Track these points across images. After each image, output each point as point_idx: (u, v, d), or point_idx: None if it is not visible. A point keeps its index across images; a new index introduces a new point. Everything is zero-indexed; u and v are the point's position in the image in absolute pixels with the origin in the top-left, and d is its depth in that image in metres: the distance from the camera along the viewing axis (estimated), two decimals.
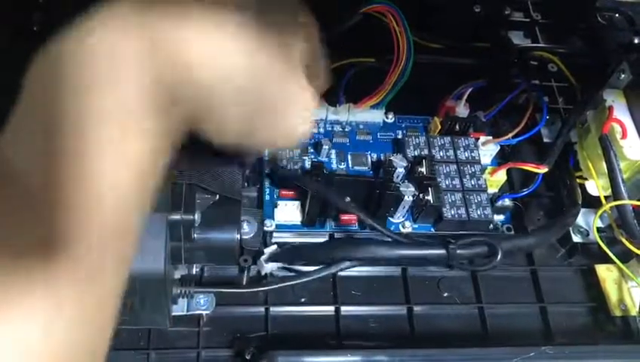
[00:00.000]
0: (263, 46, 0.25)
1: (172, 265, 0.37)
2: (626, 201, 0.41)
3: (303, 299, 0.42)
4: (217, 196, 0.36)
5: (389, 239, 0.39)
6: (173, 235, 0.34)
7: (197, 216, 0.34)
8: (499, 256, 0.37)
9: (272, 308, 0.41)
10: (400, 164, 0.42)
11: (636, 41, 0.58)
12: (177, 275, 0.39)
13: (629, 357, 0.40)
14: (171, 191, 0.34)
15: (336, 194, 0.39)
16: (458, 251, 0.37)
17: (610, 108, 0.43)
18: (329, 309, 0.42)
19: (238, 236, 0.37)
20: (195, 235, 0.35)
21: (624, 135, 0.42)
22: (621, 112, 0.43)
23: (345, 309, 0.42)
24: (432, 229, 0.44)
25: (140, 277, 0.31)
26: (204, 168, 0.35)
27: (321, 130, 0.47)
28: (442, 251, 0.37)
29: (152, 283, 0.32)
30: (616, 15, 0.61)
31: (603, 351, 0.40)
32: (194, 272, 0.40)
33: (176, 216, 0.34)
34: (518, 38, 0.57)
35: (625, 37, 0.59)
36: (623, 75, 0.45)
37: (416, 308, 0.42)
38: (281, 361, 0.35)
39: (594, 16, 0.60)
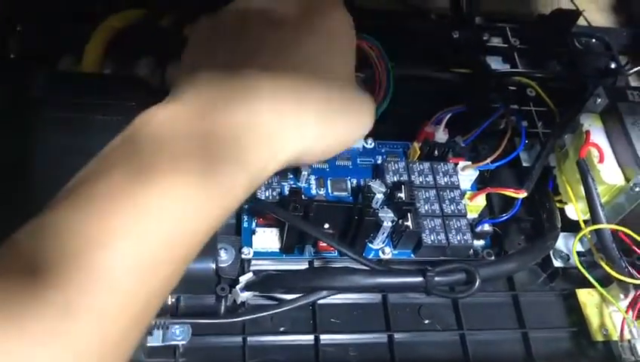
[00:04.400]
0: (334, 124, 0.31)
1: None
2: (605, 226, 0.41)
3: (282, 329, 0.41)
4: None
5: (367, 267, 0.38)
6: None
7: None
8: (477, 283, 0.36)
9: (249, 338, 0.40)
10: (379, 190, 0.42)
11: (612, 65, 0.59)
12: None
13: None
14: None
15: (310, 223, 0.39)
16: (436, 279, 0.37)
17: (587, 132, 0.43)
18: (308, 338, 0.41)
19: (214, 265, 0.36)
20: None
21: (601, 159, 0.42)
22: (598, 136, 0.44)
23: (324, 337, 0.41)
24: (412, 255, 0.43)
25: None
26: None
27: None
28: (420, 279, 0.37)
29: None
30: (593, 40, 0.62)
31: None
32: (169, 302, 0.39)
33: None
34: (496, 64, 0.58)
35: (601, 62, 0.60)
36: (599, 100, 0.45)
37: (397, 336, 0.42)
38: None
39: (571, 42, 0.61)
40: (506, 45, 0.59)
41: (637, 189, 0.41)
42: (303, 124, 0.29)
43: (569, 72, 0.58)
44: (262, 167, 0.28)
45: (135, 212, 0.23)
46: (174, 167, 0.25)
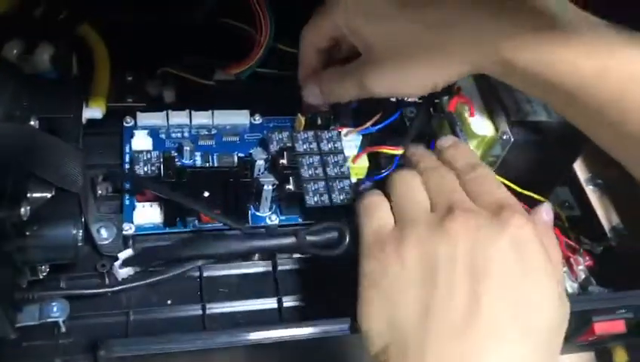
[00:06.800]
0: None
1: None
2: None
3: (169, 302, 0.41)
4: (54, 191, 0.35)
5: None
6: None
7: (24, 210, 0.32)
8: (347, 240, 0.37)
9: (133, 312, 0.39)
10: (260, 157, 0.42)
11: None
12: (24, 283, 0.37)
13: None
14: None
15: (182, 194, 0.39)
16: (308, 238, 0.37)
17: (458, 88, 0.45)
18: (195, 308, 0.40)
19: (75, 231, 0.35)
20: (28, 232, 0.34)
21: (472, 113, 0.44)
22: (470, 93, 0.45)
23: (211, 306, 0.40)
24: (300, 220, 0.44)
25: None
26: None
27: (186, 135, 0.47)
28: (292, 240, 0.37)
29: None
30: None
31: None
32: (41, 277, 0.38)
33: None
34: None
35: None
36: None
37: (285, 299, 0.42)
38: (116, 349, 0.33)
39: None
40: None
41: (505, 137, 0.42)
42: None
43: None
44: None
45: None
46: None
